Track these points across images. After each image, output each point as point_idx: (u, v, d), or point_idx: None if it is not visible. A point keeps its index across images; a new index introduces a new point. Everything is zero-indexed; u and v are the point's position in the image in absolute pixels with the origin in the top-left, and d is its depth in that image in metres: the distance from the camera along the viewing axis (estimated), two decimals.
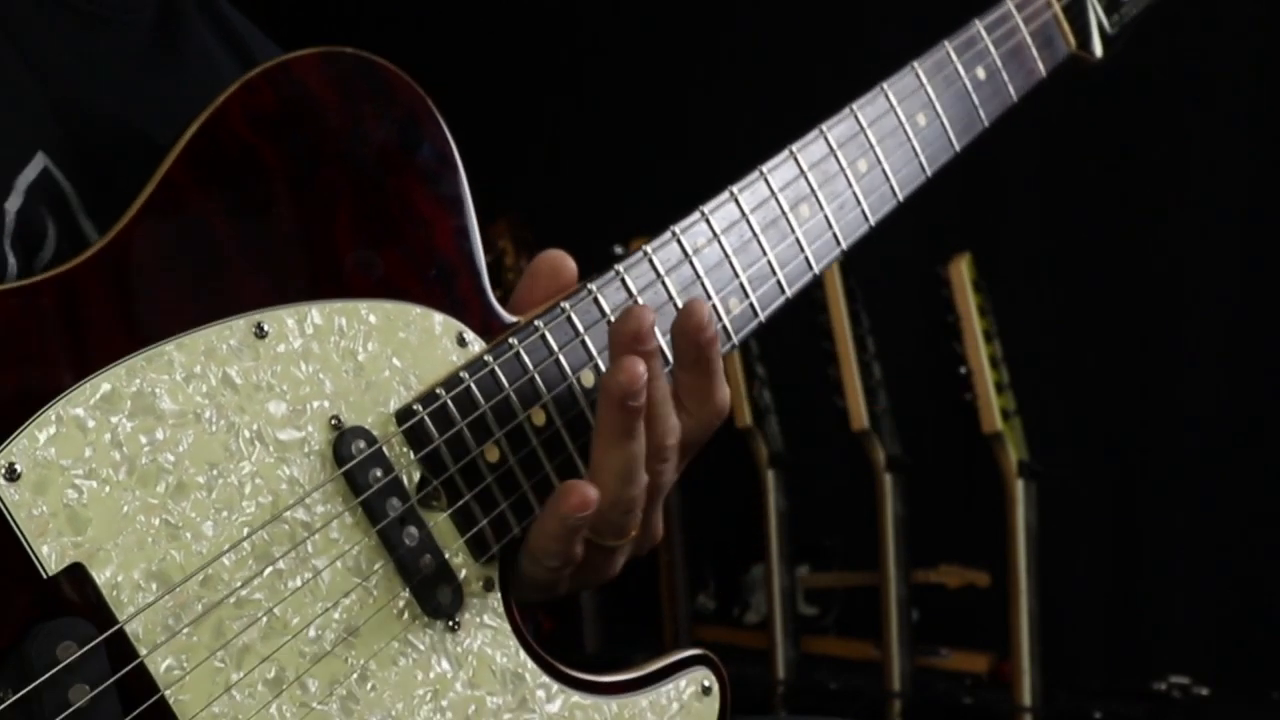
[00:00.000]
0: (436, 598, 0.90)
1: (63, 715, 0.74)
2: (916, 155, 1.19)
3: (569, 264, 1.02)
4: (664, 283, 1.03)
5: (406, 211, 0.94)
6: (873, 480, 2.94)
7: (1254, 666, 3.07)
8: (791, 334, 3.04)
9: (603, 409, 0.92)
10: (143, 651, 0.78)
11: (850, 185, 1.13)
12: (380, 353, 0.91)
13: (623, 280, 1.01)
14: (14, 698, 0.74)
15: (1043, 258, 3.25)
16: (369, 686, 0.87)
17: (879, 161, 1.15)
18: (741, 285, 1.07)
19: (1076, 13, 1.33)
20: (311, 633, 0.85)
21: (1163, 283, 3.14)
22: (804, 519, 3.11)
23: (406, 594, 0.89)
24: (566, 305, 0.98)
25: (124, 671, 0.77)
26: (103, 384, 0.79)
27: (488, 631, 0.93)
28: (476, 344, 0.95)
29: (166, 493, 0.80)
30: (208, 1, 1.12)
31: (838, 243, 1.13)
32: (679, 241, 1.04)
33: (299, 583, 0.84)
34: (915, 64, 1.19)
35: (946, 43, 1.22)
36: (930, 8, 2.02)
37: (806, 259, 1.11)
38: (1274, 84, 3.02)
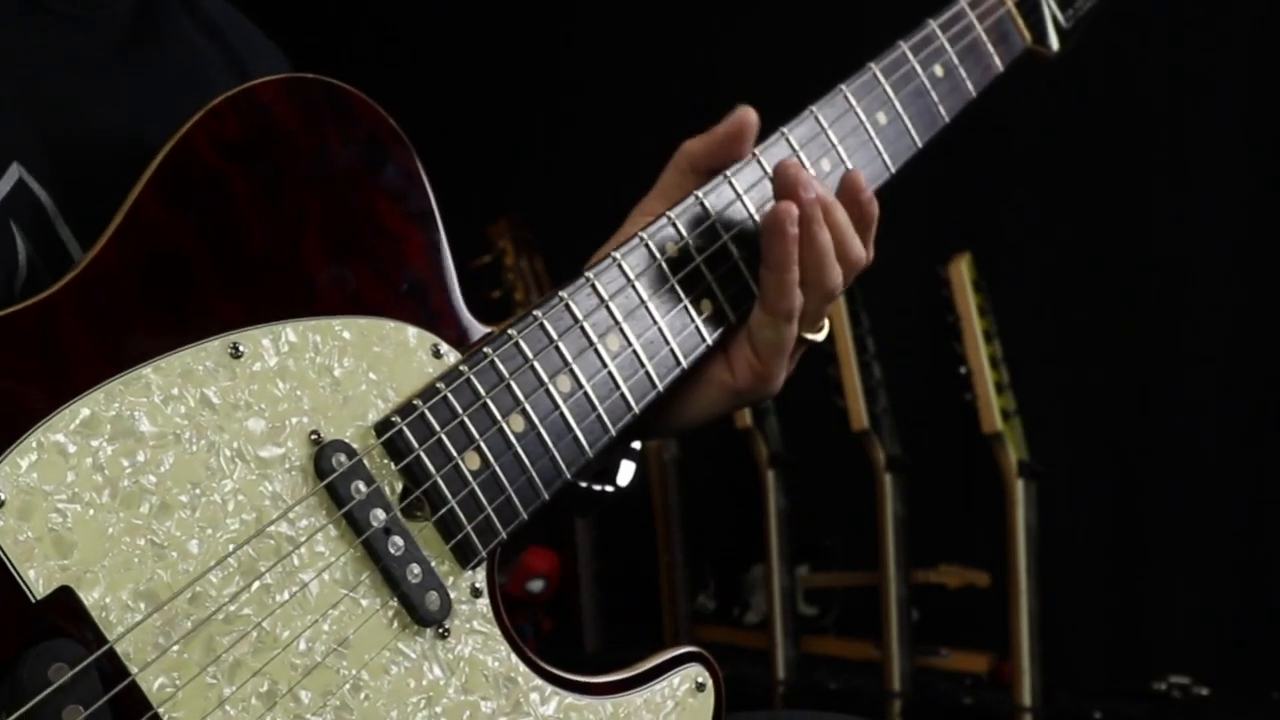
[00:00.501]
0: (425, 605, 0.91)
1: None
2: (880, 154, 1.21)
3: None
4: (634, 287, 1.06)
5: (375, 228, 0.96)
6: (873, 480, 2.94)
7: (1254, 666, 3.07)
8: None
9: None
10: (134, 670, 0.79)
11: None
12: (356, 368, 0.92)
13: (593, 287, 1.04)
14: None
15: (1043, 258, 3.25)
16: (362, 696, 0.88)
17: (842, 161, 1.18)
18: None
19: (1030, 8, 1.36)
20: (302, 645, 0.86)
21: (1163, 283, 3.14)
22: (804, 519, 3.11)
23: (395, 603, 0.90)
24: (539, 314, 1.01)
25: (116, 690, 0.78)
26: (82, 409, 0.80)
27: (478, 637, 0.94)
28: (452, 355, 0.98)
29: (150, 513, 0.81)
30: None
31: None
32: (647, 246, 1.07)
33: (286, 596, 0.85)
34: (872, 64, 1.22)
35: (902, 42, 1.25)
36: (889, 19, 2.03)
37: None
38: (1273, 84, 3.02)
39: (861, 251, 1.11)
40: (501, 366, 0.98)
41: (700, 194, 1.11)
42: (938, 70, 1.26)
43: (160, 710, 0.79)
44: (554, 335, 1.01)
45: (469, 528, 0.94)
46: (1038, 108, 3.05)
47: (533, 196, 3.45)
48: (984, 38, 1.31)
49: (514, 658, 0.95)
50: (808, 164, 1.15)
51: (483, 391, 0.97)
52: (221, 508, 0.84)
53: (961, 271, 2.80)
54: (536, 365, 1.00)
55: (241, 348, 0.87)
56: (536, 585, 3.32)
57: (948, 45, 1.27)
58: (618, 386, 1.04)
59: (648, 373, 1.06)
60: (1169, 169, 3.10)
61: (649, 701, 1.00)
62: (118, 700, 0.78)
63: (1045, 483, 2.80)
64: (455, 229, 1.01)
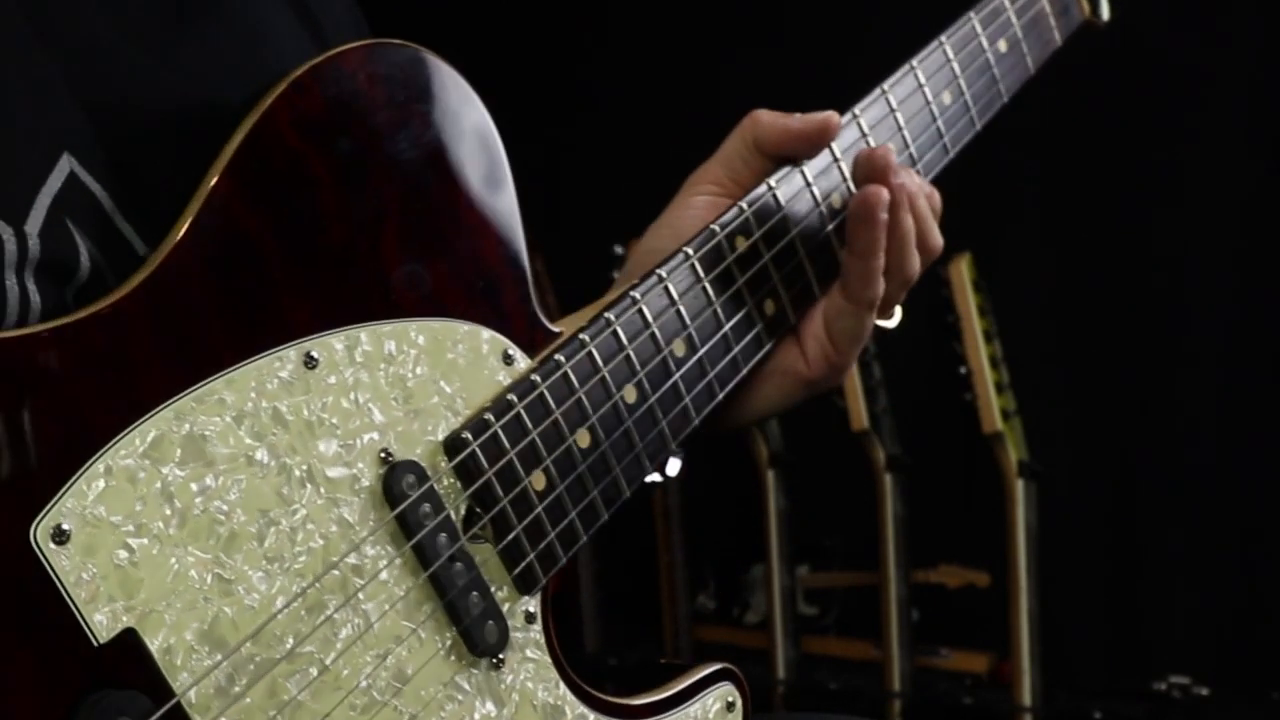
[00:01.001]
0: (484, 637, 0.86)
1: None
2: (942, 136, 1.17)
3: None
4: (704, 286, 1.02)
5: (454, 221, 0.89)
6: (873, 480, 2.94)
7: (1254, 666, 3.07)
8: None
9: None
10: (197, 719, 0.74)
11: None
12: (429, 377, 0.86)
13: (666, 288, 0.99)
14: None
15: (1043, 258, 3.25)
16: None
17: (907, 145, 1.14)
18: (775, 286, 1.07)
19: None
20: (362, 682, 0.81)
21: (1163, 283, 3.14)
22: (804, 519, 3.11)
23: (453, 634, 0.86)
24: (611, 316, 0.96)
25: None
26: (151, 430, 0.73)
27: (530, 665, 0.91)
28: (522, 361, 0.92)
29: (218, 545, 0.75)
30: None
31: None
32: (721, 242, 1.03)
33: (351, 630, 0.80)
34: (943, 38, 1.17)
35: (973, 14, 1.20)
36: (930, 12, 2.03)
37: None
38: (1274, 84, 3.01)
39: (939, 240, 1.08)
40: (573, 377, 0.92)
41: (773, 182, 1.06)
42: (1002, 45, 1.22)
43: None
44: (625, 341, 0.96)
45: (532, 555, 0.90)
46: (1038, 107, 3.04)
47: (533, 196, 3.45)
48: (1048, 9, 1.27)
49: (562, 686, 0.92)
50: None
51: (554, 406, 0.91)
52: (290, 537, 0.78)
53: (961, 271, 2.80)
54: (607, 376, 0.94)
55: (316, 355, 0.81)
56: None
57: (1014, 18, 1.23)
58: (682, 397, 1.00)
59: (710, 381, 1.02)
60: (1169, 169, 3.10)
61: None
62: None
63: (1045, 483, 2.80)
64: None
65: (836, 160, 1.09)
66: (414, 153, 0.86)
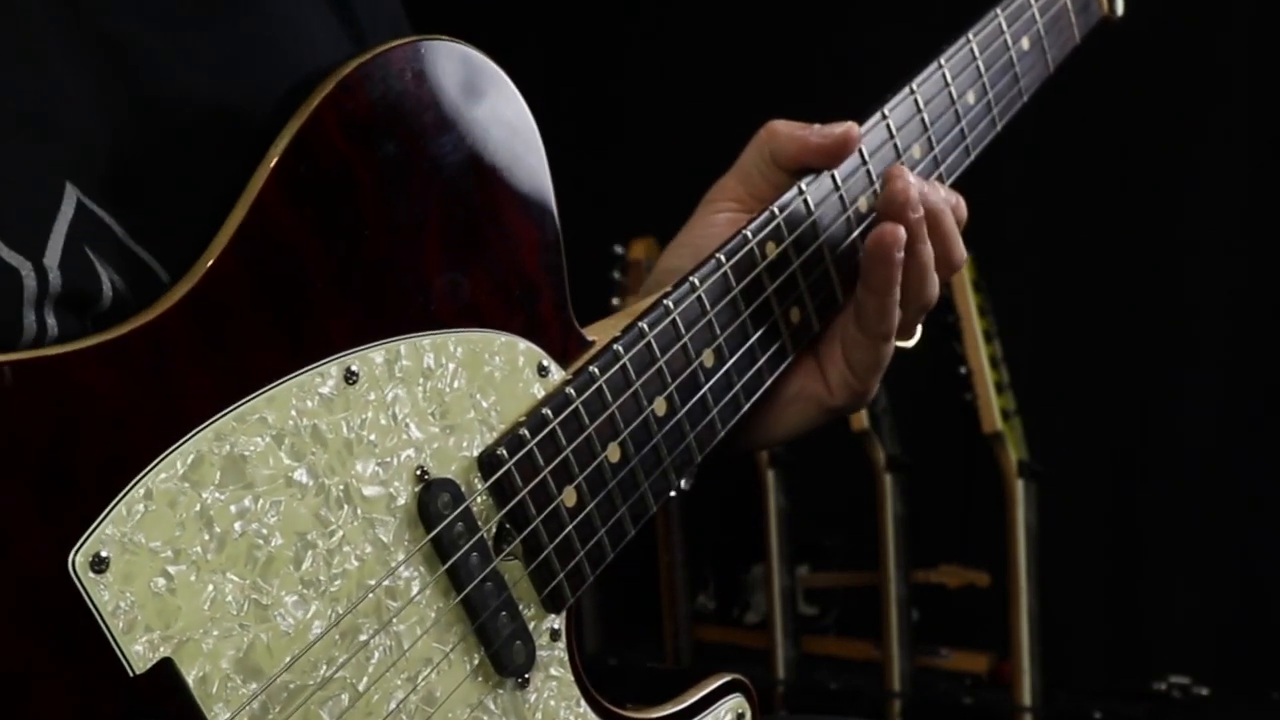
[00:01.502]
0: (512, 657, 0.86)
1: None
2: (965, 138, 1.15)
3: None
4: (736, 295, 1.00)
5: (495, 225, 0.86)
6: (873, 480, 2.93)
7: (1254, 666, 3.07)
8: None
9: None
10: None
11: None
12: (466, 391, 0.85)
13: (700, 298, 0.97)
14: None
15: (1043, 258, 3.24)
16: None
17: (932, 148, 1.12)
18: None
19: None
20: (392, 705, 0.79)
21: (1163, 283, 3.14)
22: (804, 519, 3.10)
23: (481, 655, 0.85)
24: (645, 326, 0.94)
25: None
26: (191, 451, 0.71)
27: (554, 683, 0.90)
28: (556, 372, 0.90)
29: (255, 570, 0.73)
30: None
31: None
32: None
33: (383, 655, 0.79)
34: (970, 34, 1.15)
35: (999, 10, 1.17)
36: (928, 13, 2.02)
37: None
38: (1274, 84, 3.02)
39: (963, 255, 1.06)
40: (607, 391, 0.90)
41: (804, 186, 1.04)
42: (1024, 43, 1.19)
43: None
44: (658, 353, 0.94)
45: (561, 575, 0.89)
46: (1038, 107, 3.04)
47: None
48: (1069, 6, 1.25)
49: (583, 704, 0.92)
50: (901, 151, 1.09)
51: (587, 421, 0.89)
52: (327, 560, 0.76)
53: (961, 271, 2.79)
54: (640, 389, 0.93)
55: (356, 370, 0.79)
56: None
57: (1038, 15, 1.21)
58: (709, 409, 0.98)
59: (737, 393, 1.00)
60: (1170, 169, 3.10)
61: None
62: None
63: (1045, 483, 2.80)
64: None
65: (865, 162, 1.08)
66: (457, 156, 0.84)
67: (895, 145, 1.09)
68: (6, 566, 0.65)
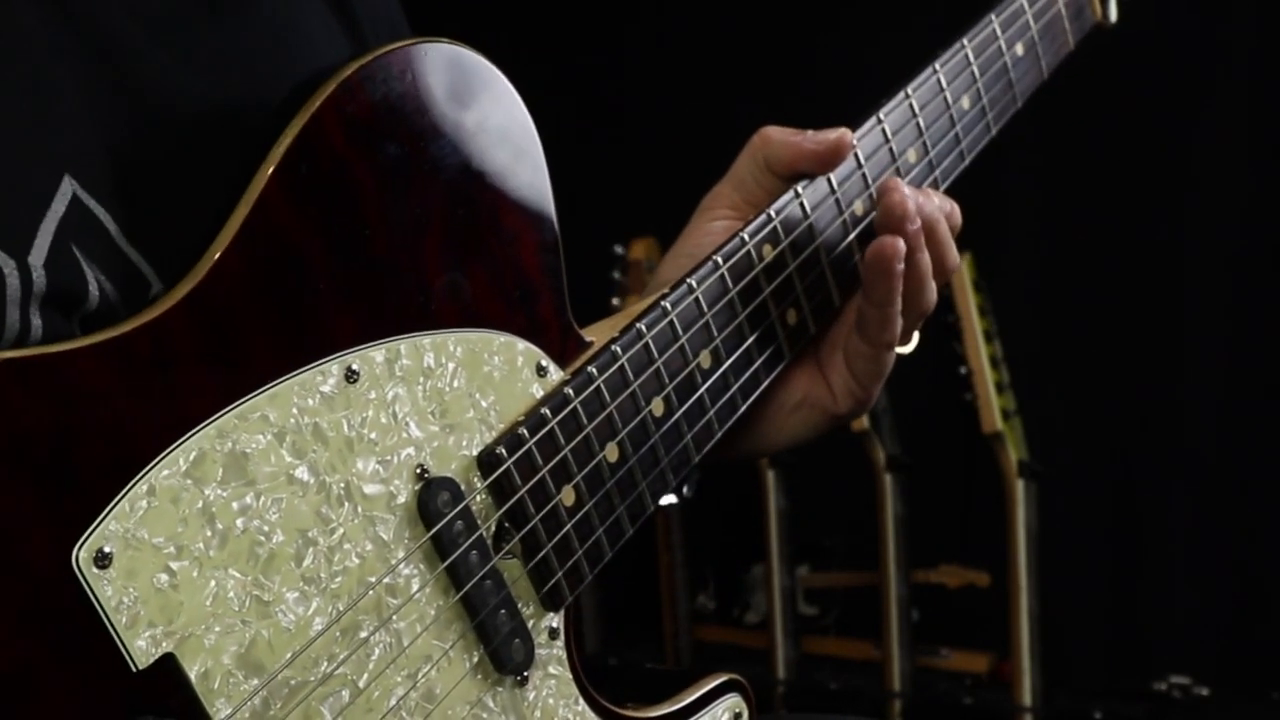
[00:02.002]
0: (511, 655, 0.86)
1: None
2: (959, 143, 1.16)
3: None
4: (733, 297, 1.01)
5: (495, 228, 0.87)
6: (873, 480, 2.94)
7: (1254, 666, 3.08)
8: None
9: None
10: None
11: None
12: (465, 390, 0.85)
13: (697, 299, 0.98)
14: None
15: (1043, 258, 3.25)
16: None
17: (926, 152, 1.13)
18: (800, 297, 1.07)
19: None
20: (392, 703, 0.80)
21: (1163, 283, 3.14)
22: (804, 519, 3.11)
23: (481, 653, 0.85)
24: (643, 327, 0.94)
25: None
26: (194, 448, 0.72)
27: (552, 682, 0.91)
28: (555, 373, 0.91)
29: (257, 566, 0.74)
30: None
31: None
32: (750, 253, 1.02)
33: (383, 652, 0.80)
34: (965, 40, 1.15)
35: (994, 16, 1.18)
36: (924, 17, 2.02)
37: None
38: (1274, 84, 3.02)
39: (957, 260, 1.07)
40: (605, 391, 0.91)
41: (800, 189, 1.05)
42: (1019, 49, 1.20)
43: None
44: (656, 354, 0.94)
45: (560, 573, 0.89)
46: (1038, 107, 3.05)
47: None
48: (1063, 13, 1.25)
49: (581, 702, 0.92)
50: (897, 155, 1.10)
51: (585, 421, 0.90)
52: (328, 557, 0.77)
53: (961, 271, 2.80)
54: (638, 389, 0.93)
55: (356, 368, 0.79)
56: None
57: (1032, 21, 1.21)
58: (706, 410, 0.99)
59: (734, 394, 1.01)
60: (1169, 169, 3.10)
61: None
62: None
63: (1045, 483, 2.80)
64: None
65: (861, 166, 1.08)
66: (457, 157, 0.84)
67: (891, 149, 1.10)
68: (10, 562, 0.65)
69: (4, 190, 0.75)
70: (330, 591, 0.77)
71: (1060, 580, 2.92)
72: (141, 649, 0.69)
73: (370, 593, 0.79)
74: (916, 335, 1.10)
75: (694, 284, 0.98)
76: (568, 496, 0.89)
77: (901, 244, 1.00)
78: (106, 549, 0.68)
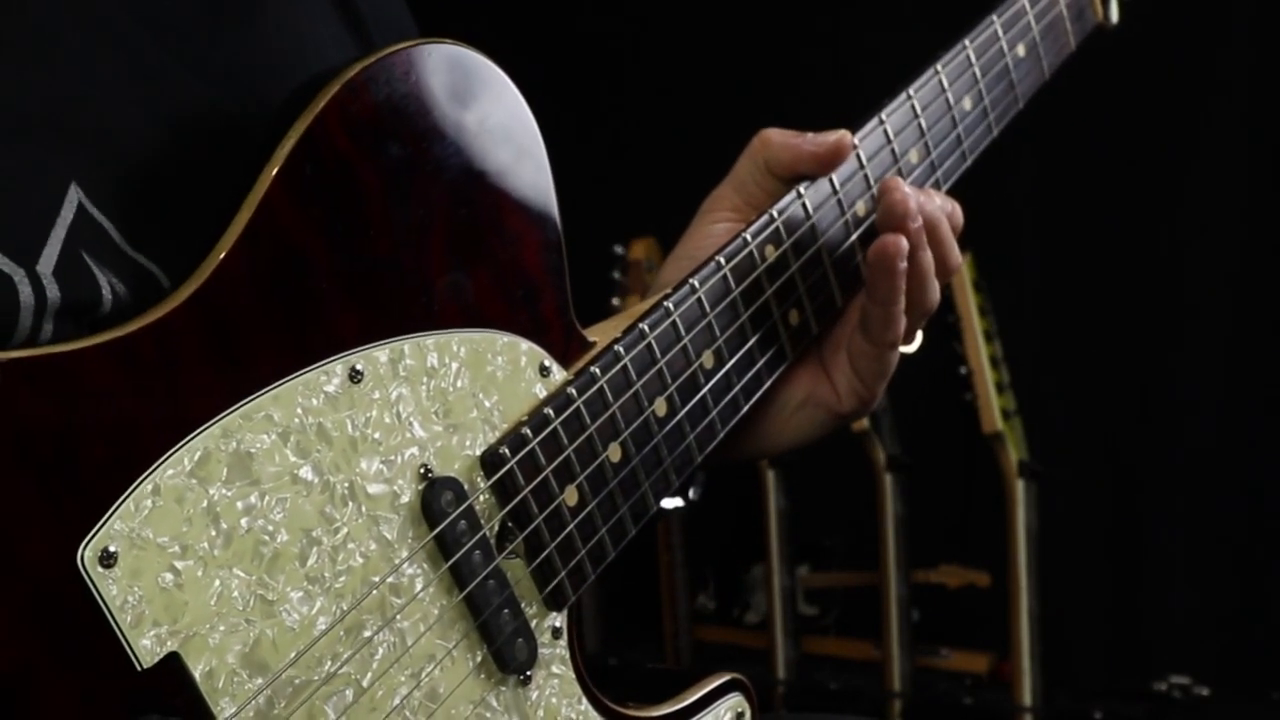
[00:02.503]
0: (514, 654, 0.86)
1: None
2: (961, 143, 1.16)
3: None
4: (736, 297, 1.01)
5: (497, 227, 0.87)
6: (873, 480, 2.94)
7: (1254, 666, 3.08)
8: None
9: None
10: None
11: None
12: (469, 390, 0.85)
13: (700, 300, 0.98)
14: None
15: (1043, 258, 3.25)
16: None
17: (929, 153, 1.13)
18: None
19: None
20: (396, 702, 0.80)
21: (1163, 283, 3.14)
22: (804, 519, 3.11)
23: (484, 652, 0.85)
24: (645, 327, 0.95)
25: None
26: (199, 447, 0.72)
27: (555, 681, 0.91)
28: (558, 372, 0.91)
29: (261, 566, 0.74)
30: None
31: None
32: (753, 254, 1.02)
33: (387, 651, 0.80)
34: (967, 41, 1.16)
35: (995, 17, 1.18)
36: (925, 19, 2.02)
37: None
38: (1274, 84, 3.02)
39: (959, 259, 1.08)
40: (608, 391, 0.91)
41: (802, 189, 1.05)
42: (1020, 50, 1.20)
43: None
44: (659, 354, 0.95)
45: (563, 573, 0.89)
46: (1038, 107, 3.05)
47: None
48: (1065, 14, 1.26)
49: (584, 702, 0.92)
50: (899, 156, 1.11)
51: (589, 421, 0.90)
52: (331, 556, 0.77)
53: (962, 271, 2.80)
54: (641, 390, 0.94)
55: (360, 369, 0.79)
56: None
57: (1034, 22, 1.22)
58: (709, 410, 0.99)
59: (736, 394, 1.01)
60: (1170, 169, 3.11)
61: None
62: None
63: (1045, 483, 2.80)
64: None
65: (863, 167, 1.08)
66: (460, 157, 0.85)
67: (893, 150, 1.10)
68: (15, 562, 0.65)
69: (14, 198, 0.75)
70: (334, 591, 0.77)
71: (1060, 580, 2.92)
72: (146, 648, 0.69)
73: (374, 592, 0.79)
74: (920, 334, 1.10)
75: (696, 284, 0.98)
76: (571, 496, 0.89)
77: (904, 242, 1.00)
78: (111, 548, 0.68)
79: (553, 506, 0.88)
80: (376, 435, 0.80)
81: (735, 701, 1.03)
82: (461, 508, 0.83)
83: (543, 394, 0.90)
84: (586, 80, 3.73)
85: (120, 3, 0.83)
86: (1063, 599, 2.96)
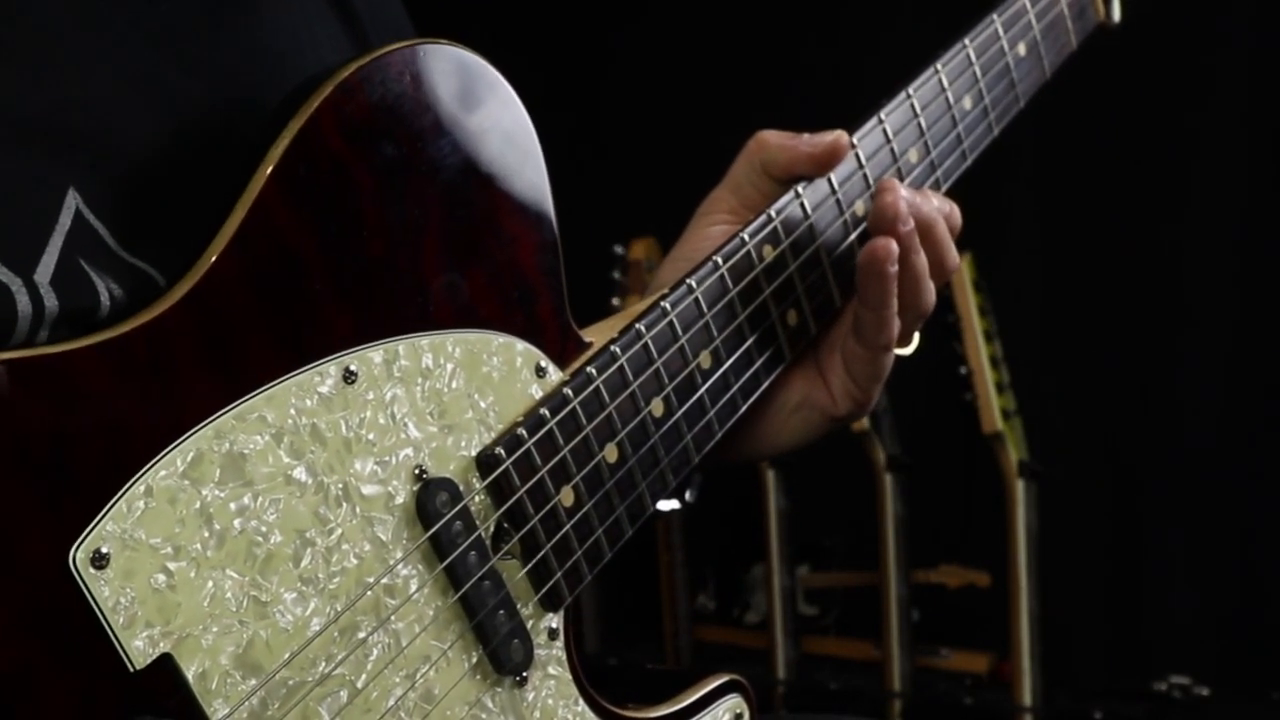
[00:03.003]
0: (510, 655, 0.86)
1: None
2: (961, 142, 1.16)
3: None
4: (733, 297, 1.01)
5: (493, 227, 0.87)
6: (873, 480, 2.94)
7: (1254, 666, 3.08)
8: None
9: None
10: None
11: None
12: (464, 391, 0.85)
13: (697, 299, 0.98)
14: None
15: (1043, 258, 3.25)
16: None
17: (928, 152, 1.12)
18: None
19: None
20: (391, 703, 0.80)
21: (1163, 283, 3.14)
22: (804, 519, 3.11)
23: (479, 653, 0.85)
24: (642, 328, 0.94)
25: None
26: (192, 448, 0.72)
27: (551, 682, 0.91)
28: (554, 373, 0.91)
29: (255, 567, 0.74)
30: None
31: None
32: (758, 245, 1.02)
33: (381, 652, 0.80)
34: (966, 40, 1.15)
35: (996, 16, 1.18)
36: (923, 19, 2.02)
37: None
38: (1273, 84, 3.02)
39: (956, 260, 1.07)
40: (604, 391, 0.91)
41: (800, 189, 1.05)
42: (1021, 49, 1.20)
43: None
44: (655, 354, 0.95)
45: (559, 574, 0.89)
46: (1038, 107, 3.05)
47: None
48: (1066, 13, 1.25)
49: (581, 703, 0.92)
50: (898, 155, 1.10)
51: (585, 422, 0.90)
52: (325, 557, 0.77)
53: (961, 271, 2.80)
54: (637, 390, 0.93)
55: (355, 369, 0.79)
56: None
57: (1035, 21, 1.21)
58: (706, 411, 0.99)
59: (734, 394, 1.00)
60: (1170, 170, 3.10)
61: None
62: None
63: (1045, 483, 2.80)
64: None
65: (862, 166, 1.08)
66: (456, 158, 0.84)
67: (892, 150, 1.10)
68: (8, 563, 0.65)
69: (12, 206, 0.75)
70: (328, 592, 0.77)
71: (1060, 580, 2.92)
72: (139, 649, 0.69)
73: (368, 593, 0.79)
74: (917, 336, 1.09)
75: (693, 284, 0.98)
76: (567, 497, 0.89)
77: (893, 245, 0.99)
78: (104, 549, 0.68)
79: (549, 507, 0.88)
80: (371, 436, 0.80)
81: (734, 703, 1.02)
82: (456, 508, 0.83)
83: (539, 395, 0.90)
84: (587, 80, 3.73)
85: (117, 7, 0.83)
86: (1063, 599, 2.95)
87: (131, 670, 0.69)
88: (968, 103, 1.16)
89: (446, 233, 0.85)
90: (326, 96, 0.78)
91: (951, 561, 3.19)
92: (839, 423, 1.10)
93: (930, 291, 1.05)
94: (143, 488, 0.70)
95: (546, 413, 0.88)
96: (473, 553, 0.84)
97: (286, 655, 0.75)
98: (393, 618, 0.80)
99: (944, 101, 1.14)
